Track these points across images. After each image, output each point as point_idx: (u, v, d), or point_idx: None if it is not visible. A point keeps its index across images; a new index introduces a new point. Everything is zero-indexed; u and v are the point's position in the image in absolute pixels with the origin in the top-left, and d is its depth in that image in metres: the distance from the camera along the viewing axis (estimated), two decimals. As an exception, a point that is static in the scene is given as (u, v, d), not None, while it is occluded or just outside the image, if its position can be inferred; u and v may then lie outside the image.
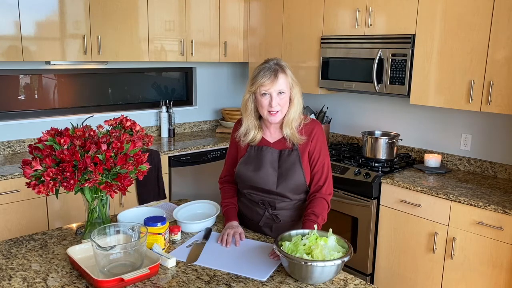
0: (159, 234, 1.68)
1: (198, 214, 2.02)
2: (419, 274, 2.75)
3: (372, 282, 2.99)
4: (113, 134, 1.66)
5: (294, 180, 1.84)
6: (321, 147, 1.88)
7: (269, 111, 1.79)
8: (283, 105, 1.80)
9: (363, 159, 3.18)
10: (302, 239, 1.56)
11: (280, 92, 1.77)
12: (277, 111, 1.79)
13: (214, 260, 1.63)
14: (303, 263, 1.41)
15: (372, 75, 3.07)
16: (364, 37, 3.14)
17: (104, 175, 1.54)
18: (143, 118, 3.93)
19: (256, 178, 1.87)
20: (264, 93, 1.77)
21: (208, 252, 1.69)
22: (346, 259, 1.44)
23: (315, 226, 1.66)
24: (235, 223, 1.87)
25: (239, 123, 1.95)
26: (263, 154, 1.87)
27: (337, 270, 1.45)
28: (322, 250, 1.47)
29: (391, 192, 2.83)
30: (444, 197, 2.56)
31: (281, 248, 1.51)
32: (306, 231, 1.62)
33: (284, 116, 1.83)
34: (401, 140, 3.28)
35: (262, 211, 1.92)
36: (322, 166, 1.88)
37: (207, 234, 1.85)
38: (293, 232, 1.62)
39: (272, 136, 1.90)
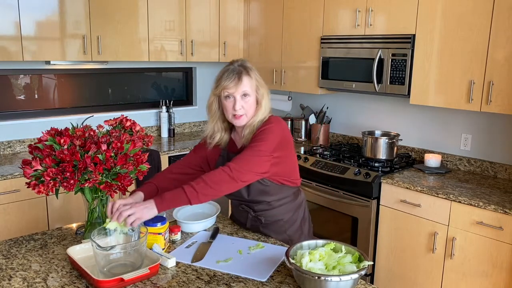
0: (159, 234, 1.68)
1: (198, 214, 2.02)
2: (419, 274, 2.75)
3: (372, 282, 2.99)
4: (113, 134, 1.66)
5: (260, 186, 1.78)
6: (259, 137, 1.70)
7: (234, 115, 1.73)
8: (248, 108, 1.73)
9: (363, 159, 3.18)
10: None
11: (245, 95, 1.71)
12: (242, 115, 1.73)
13: (216, 260, 1.62)
14: (316, 277, 1.33)
15: (372, 75, 3.07)
16: (364, 37, 3.14)
17: (104, 175, 1.54)
18: (143, 118, 3.93)
19: None
20: (228, 96, 1.71)
21: (214, 252, 1.69)
22: (363, 272, 1.36)
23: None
24: (139, 194, 1.69)
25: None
26: None
27: (353, 285, 1.37)
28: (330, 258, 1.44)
29: (391, 192, 2.83)
30: (444, 197, 2.56)
31: (294, 261, 1.44)
32: (320, 242, 1.54)
33: (252, 118, 1.75)
34: (401, 140, 3.28)
35: (245, 214, 1.90)
36: (249, 148, 1.68)
37: (215, 233, 1.85)
38: (305, 243, 1.54)
39: (239, 140, 1.83)
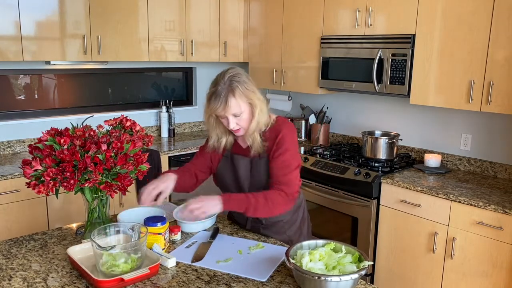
0: (159, 234, 1.68)
1: (198, 214, 2.01)
2: (419, 274, 2.75)
3: (372, 282, 2.99)
4: (113, 134, 1.66)
5: (265, 187, 1.80)
6: (283, 148, 1.77)
7: (231, 129, 1.77)
8: (243, 123, 1.74)
9: (363, 159, 3.18)
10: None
11: (235, 115, 1.72)
12: (239, 129, 1.76)
13: (217, 260, 1.62)
14: (316, 277, 1.33)
15: (372, 75, 3.07)
16: (364, 37, 3.14)
17: (104, 175, 1.54)
18: (143, 118, 3.93)
19: (232, 187, 1.87)
20: (220, 116, 1.74)
21: (214, 252, 1.69)
22: (363, 272, 1.37)
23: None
24: (170, 175, 1.82)
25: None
26: (237, 164, 1.85)
27: (353, 285, 1.38)
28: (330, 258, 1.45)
29: (391, 192, 2.83)
30: (444, 197, 2.56)
31: (294, 261, 1.44)
32: (320, 242, 1.56)
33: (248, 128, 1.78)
34: (401, 140, 3.28)
35: (246, 215, 1.90)
36: (282, 164, 1.76)
37: (215, 233, 1.85)
38: (305, 243, 1.56)
39: (244, 141, 1.86)
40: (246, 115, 1.74)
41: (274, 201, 1.72)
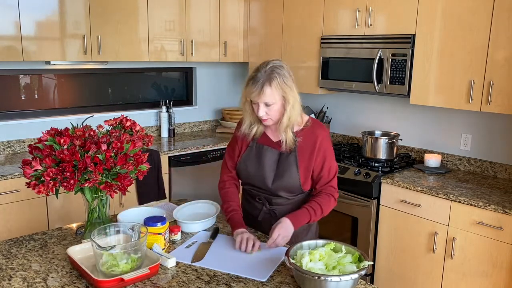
0: (159, 234, 1.68)
1: (198, 214, 2.02)
2: (419, 274, 2.75)
3: (372, 282, 2.99)
4: (113, 134, 1.66)
5: (289, 181, 1.85)
6: (325, 155, 1.86)
7: (260, 117, 1.80)
8: (273, 114, 1.78)
9: (363, 159, 3.18)
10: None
11: (267, 104, 1.76)
12: (266, 119, 1.80)
13: (216, 260, 1.63)
14: (316, 277, 1.34)
15: (372, 75, 3.07)
16: (364, 37, 3.14)
17: (104, 175, 1.54)
18: (143, 118, 3.93)
19: (254, 177, 1.90)
20: (252, 101, 1.79)
21: (214, 252, 1.69)
22: (363, 272, 1.37)
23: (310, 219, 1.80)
24: (244, 230, 1.81)
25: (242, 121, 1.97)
26: (264, 154, 1.88)
27: (353, 285, 1.38)
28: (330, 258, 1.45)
29: (391, 192, 2.83)
30: (444, 197, 2.56)
31: (294, 261, 1.45)
32: (320, 242, 1.58)
33: (279, 122, 1.81)
34: (401, 140, 3.28)
35: (260, 206, 1.94)
36: (328, 170, 1.87)
37: (215, 233, 1.85)
38: (305, 243, 1.57)
39: (274, 134, 1.90)
40: (277, 107, 1.77)
41: (328, 209, 1.88)
